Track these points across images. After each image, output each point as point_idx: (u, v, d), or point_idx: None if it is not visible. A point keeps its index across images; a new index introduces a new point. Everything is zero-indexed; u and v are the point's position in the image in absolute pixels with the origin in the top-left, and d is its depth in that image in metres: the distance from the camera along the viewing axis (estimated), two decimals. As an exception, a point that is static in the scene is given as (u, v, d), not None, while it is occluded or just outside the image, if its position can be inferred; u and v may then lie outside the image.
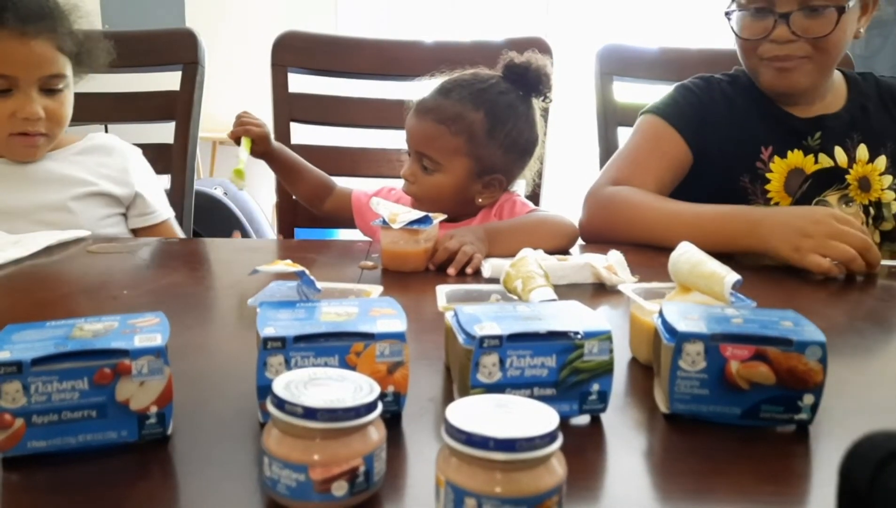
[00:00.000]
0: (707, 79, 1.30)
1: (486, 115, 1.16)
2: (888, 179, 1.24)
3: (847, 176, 1.23)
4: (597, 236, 1.18)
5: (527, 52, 1.21)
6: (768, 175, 1.22)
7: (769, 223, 1.00)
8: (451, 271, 0.96)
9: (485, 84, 1.19)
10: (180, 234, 1.44)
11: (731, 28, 1.22)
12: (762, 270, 1.03)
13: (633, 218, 1.14)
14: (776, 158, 1.23)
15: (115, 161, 1.34)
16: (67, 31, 1.22)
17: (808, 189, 1.22)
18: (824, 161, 1.22)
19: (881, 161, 1.24)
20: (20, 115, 1.20)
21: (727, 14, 1.22)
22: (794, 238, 0.96)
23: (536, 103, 1.23)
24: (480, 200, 1.20)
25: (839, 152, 1.22)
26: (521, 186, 1.51)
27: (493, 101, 1.17)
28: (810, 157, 1.23)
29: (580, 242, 1.18)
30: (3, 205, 1.23)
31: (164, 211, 1.40)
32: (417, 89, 1.29)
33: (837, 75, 1.28)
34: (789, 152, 1.23)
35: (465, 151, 1.16)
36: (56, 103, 1.24)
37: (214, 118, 3.18)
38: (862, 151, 1.23)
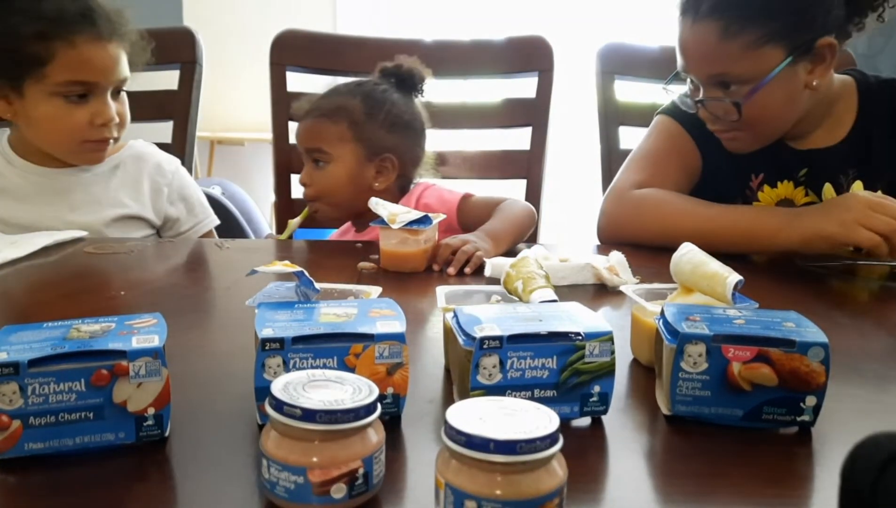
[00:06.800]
0: None
1: (362, 100, 1.25)
2: None
3: None
4: (620, 237, 1.16)
5: (399, 56, 1.31)
6: (755, 203, 1.20)
7: (807, 212, 1.02)
8: (451, 270, 0.96)
9: (359, 81, 1.30)
10: None
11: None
12: (764, 270, 1.03)
13: (665, 221, 1.11)
14: (766, 186, 1.20)
15: (149, 181, 1.30)
16: (127, 34, 1.22)
17: None
18: (812, 197, 1.19)
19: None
20: (98, 120, 1.18)
21: (665, 89, 1.19)
22: (838, 213, 0.96)
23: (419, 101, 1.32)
24: (377, 184, 1.25)
25: (828, 189, 1.18)
26: (520, 188, 1.51)
27: (368, 90, 1.27)
28: (800, 189, 1.19)
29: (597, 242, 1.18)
30: (37, 220, 1.19)
31: (198, 227, 1.36)
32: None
33: (849, 92, 1.21)
34: (779, 183, 1.20)
35: (350, 137, 1.23)
36: (123, 107, 1.24)
37: (213, 118, 3.17)
38: (857, 188, 1.17)
